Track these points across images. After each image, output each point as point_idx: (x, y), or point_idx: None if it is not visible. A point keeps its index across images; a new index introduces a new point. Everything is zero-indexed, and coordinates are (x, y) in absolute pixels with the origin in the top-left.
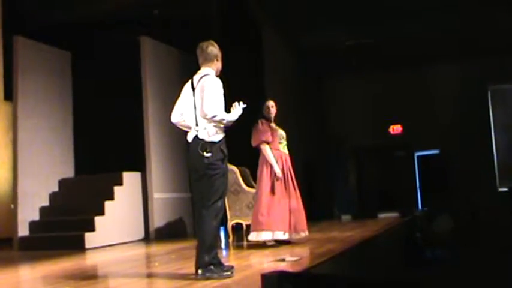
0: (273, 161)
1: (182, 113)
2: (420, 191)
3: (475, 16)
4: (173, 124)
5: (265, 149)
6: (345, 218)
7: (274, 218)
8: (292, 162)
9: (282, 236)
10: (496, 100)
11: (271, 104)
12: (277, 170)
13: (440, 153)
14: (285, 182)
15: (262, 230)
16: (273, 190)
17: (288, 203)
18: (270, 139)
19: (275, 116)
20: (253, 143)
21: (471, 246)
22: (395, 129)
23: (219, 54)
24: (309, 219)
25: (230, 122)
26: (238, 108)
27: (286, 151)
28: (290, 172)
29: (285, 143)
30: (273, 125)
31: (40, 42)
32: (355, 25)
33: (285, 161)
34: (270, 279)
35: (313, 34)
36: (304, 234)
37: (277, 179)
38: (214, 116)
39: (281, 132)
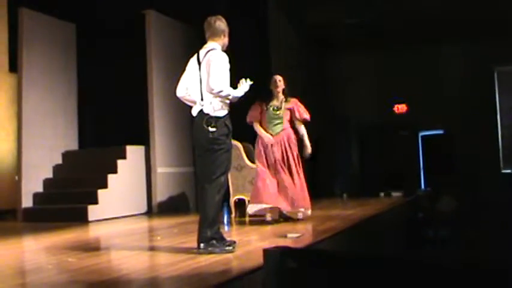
0: (261, 133)
1: (187, 87)
2: (423, 171)
3: None
4: (178, 98)
5: (254, 126)
6: (347, 196)
7: (266, 192)
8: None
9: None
10: (502, 82)
11: (278, 78)
12: (266, 138)
13: (444, 133)
14: (280, 162)
15: (254, 202)
16: (266, 166)
17: (283, 180)
18: (256, 119)
19: (283, 91)
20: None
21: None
22: (400, 108)
23: (226, 30)
24: (311, 196)
25: (236, 97)
26: (245, 85)
27: (278, 130)
28: (287, 152)
29: (278, 122)
30: (275, 103)
31: (45, 14)
32: (360, 2)
33: (279, 142)
34: (272, 255)
35: (319, 11)
36: (304, 211)
37: (267, 148)
38: (221, 91)
39: (274, 112)
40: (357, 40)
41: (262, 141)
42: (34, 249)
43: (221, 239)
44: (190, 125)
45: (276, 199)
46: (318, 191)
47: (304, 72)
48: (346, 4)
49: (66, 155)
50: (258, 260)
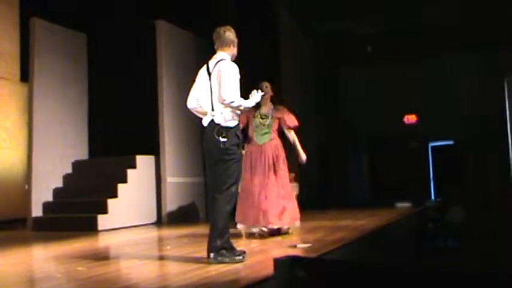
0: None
1: (198, 99)
2: (433, 182)
3: (493, 5)
4: (188, 109)
5: None
6: (357, 206)
7: (244, 211)
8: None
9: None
10: None
11: (265, 84)
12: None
13: (454, 143)
14: (266, 174)
15: (238, 221)
16: (248, 180)
17: (264, 194)
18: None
19: (271, 98)
20: None
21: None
22: (410, 118)
23: (236, 41)
24: (320, 207)
25: (247, 108)
26: (256, 95)
27: (265, 140)
28: (274, 164)
29: (265, 131)
30: (263, 110)
31: (56, 24)
32: (371, 12)
33: (261, 152)
34: (283, 264)
35: (330, 22)
36: (289, 224)
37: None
38: (232, 102)
39: (261, 121)
40: (367, 49)
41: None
42: (43, 258)
43: (231, 248)
44: (200, 134)
45: (260, 218)
46: (327, 201)
47: (314, 82)
48: (357, 15)
49: (76, 164)
50: (268, 269)
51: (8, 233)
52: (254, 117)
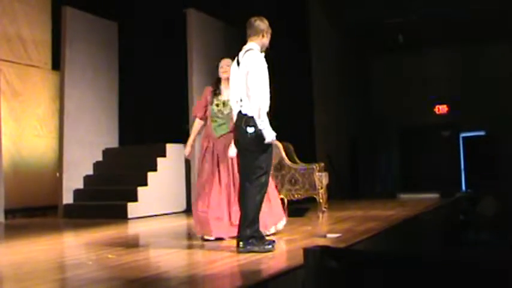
0: (190, 137)
1: (237, 100)
2: (464, 173)
3: None
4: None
5: (194, 124)
6: (388, 196)
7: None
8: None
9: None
10: None
11: (226, 62)
12: (186, 149)
13: (486, 134)
14: (217, 171)
15: (200, 233)
16: (201, 180)
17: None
18: (198, 115)
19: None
20: None
21: None
22: (441, 109)
23: (267, 30)
24: (351, 196)
25: (263, 125)
26: (271, 134)
27: (222, 132)
28: (233, 161)
29: (222, 121)
30: (223, 96)
31: (88, 12)
32: (401, 2)
33: (215, 146)
34: (313, 254)
35: (359, 11)
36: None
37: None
38: (257, 111)
39: (216, 109)
40: (397, 41)
41: (205, 140)
42: (74, 245)
43: (261, 238)
44: None
45: (228, 228)
46: (358, 191)
47: (344, 73)
48: (386, 4)
49: (106, 152)
50: (297, 259)
51: (39, 219)
52: (211, 104)
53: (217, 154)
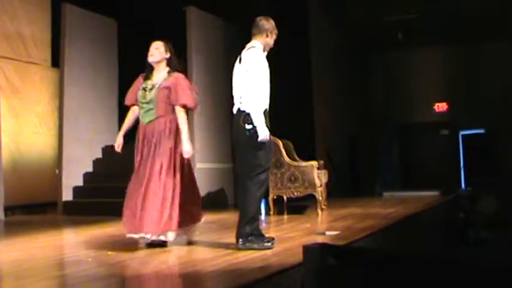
0: (122, 128)
1: (238, 97)
2: (464, 170)
3: None
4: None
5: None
6: (387, 194)
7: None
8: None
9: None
10: None
11: (154, 45)
12: (116, 141)
13: (485, 132)
14: (149, 166)
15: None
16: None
17: (149, 193)
18: (128, 102)
19: (169, 63)
20: None
21: None
22: (441, 106)
23: (272, 31)
24: (350, 195)
25: (257, 123)
26: (264, 132)
27: (150, 118)
28: (155, 151)
29: (148, 107)
30: (152, 80)
31: (87, 10)
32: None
33: (144, 134)
34: (312, 252)
35: (358, 10)
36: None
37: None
38: (254, 112)
39: (142, 94)
40: (396, 39)
41: (138, 131)
42: (74, 242)
43: (260, 235)
44: (229, 121)
45: (136, 224)
46: (357, 189)
47: (343, 71)
48: (385, 3)
49: (106, 150)
50: (297, 256)
51: (39, 216)
52: (139, 89)
53: (148, 143)
